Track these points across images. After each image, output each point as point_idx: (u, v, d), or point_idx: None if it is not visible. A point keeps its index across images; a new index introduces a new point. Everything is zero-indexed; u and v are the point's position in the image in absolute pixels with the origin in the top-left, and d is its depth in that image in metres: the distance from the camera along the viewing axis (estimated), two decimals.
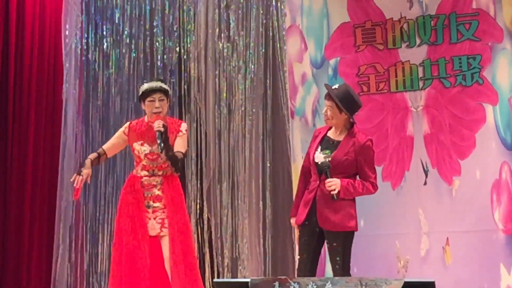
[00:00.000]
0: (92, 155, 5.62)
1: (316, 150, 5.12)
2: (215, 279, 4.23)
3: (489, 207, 6.12)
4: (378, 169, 6.38)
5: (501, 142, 6.14)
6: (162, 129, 5.35)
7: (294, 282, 3.99)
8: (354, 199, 5.14)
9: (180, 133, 5.53)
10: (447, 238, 6.19)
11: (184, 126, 5.61)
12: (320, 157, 5.07)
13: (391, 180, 6.43)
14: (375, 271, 6.14)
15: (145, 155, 5.48)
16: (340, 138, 5.11)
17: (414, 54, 6.41)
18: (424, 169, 6.35)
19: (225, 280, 4.46)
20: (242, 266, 7.07)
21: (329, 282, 3.99)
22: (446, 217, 6.20)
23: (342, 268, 5.05)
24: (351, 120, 5.12)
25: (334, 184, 4.95)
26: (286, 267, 6.95)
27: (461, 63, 6.31)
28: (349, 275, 5.09)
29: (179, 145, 5.48)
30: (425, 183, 6.34)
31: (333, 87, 5.16)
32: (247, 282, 4.05)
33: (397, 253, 6.30)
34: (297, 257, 5.34)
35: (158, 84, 5.56)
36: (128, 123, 5.68)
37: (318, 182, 5.07)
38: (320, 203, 5.04)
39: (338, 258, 5.04)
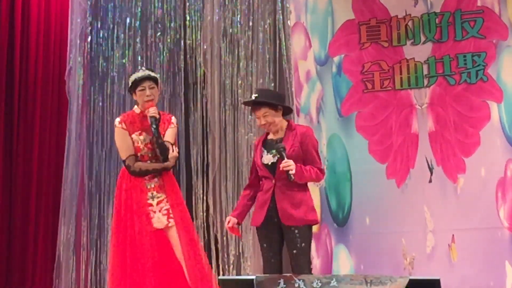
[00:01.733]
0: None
1: (261, 154, 5.25)
2: (220, 277, 4.23)
3: (494, 204, 6.10)
4: (382, 167, 6.42)
5: (506, 139, 6.12)
6: (157, 116, 5.42)
7: (299, 280, 3.99)
8: (309, 192, 5.30)
9: (172, 125, 5.61)
10: (453, 236, 6.17)
11: (174, 119, 5.70)
12: (268, 157, 5.21)
13: (395, 178, 6.42)
14: (381, 268, 6.14)
15: (145, 144, 5.49)
16: (281, 135, 5.28)
17: (419, 52, 6.39)
18: (429, 166, 6.33)
19: (230, 277, 4.47)
20: (246, 263, 7.07)
21: (334, 279, 3.99)
22: (452, 215, 6.19)
23: (304, 261, 5.14)
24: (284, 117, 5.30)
25: (291, 164, 5.05)
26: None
27: (465, 60, 6.30)
28: (310, 269, 5.21)
29: (169, 136, 5.53)
30: (430, 181, 6.32)
31: (252, 97, 5.27)
32: (252, 280, 4.05)
33: (403, 251, 6.29)
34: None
35: (147, 72, 5.61)
36: (118, 119, 5.65)
37: (273, 181, 5.17)
38: (280, 199, 5.15)
39: (297, 252, 5.13)
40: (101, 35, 7.61)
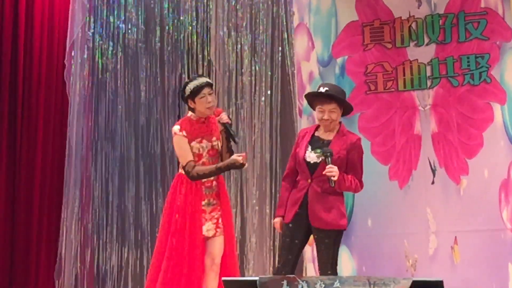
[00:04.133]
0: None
1: (306, 149, 5.13)
2: (224, 278, 4.23)
3: (497, 206, 6.10)
4: (385, 168, 6.42)
5: (509, 141, 6.11)
6: (230, 121, 5.46)
7: (303, 281, 3.99)
8: (343, 197, 5.18)
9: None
10: (455, 237, 6.17)
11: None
12: (312, 156, 5.09)
13: (398, 179, 6.42)
14: (384, 270, 6.14)
15: (208, 151, 5.47)
16: (330, 137, 5.14)
17: (423, 53, 6.39)
18: (431, 168, 6.33)
19: (234, 278, 4.46)
20: (249, 264, 7.07)
21: (337, 281, 3.99)
22: (454, 217, 6.19)
23: (331, 266, 5.08)
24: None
25: (335, 171, 4.95)
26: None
27: (469, 62, 6.30)
28: (337, 272, 5.12)
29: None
30: (432, 182, 6.33)
31: (322, 90, 5.12)
32: (255, 281, 4.05)
33: (405, 252, 6.29)
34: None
35: (205, 79, 5.54)
36: (178, 126, 5.47)
37: (309, 180, 5.08)
38: (313, 201, 5.06)
39: (327, 256, 5.06)
40: (103, 33, 7.60)
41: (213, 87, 5.60)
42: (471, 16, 6.28)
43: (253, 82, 7.24)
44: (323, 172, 4.97)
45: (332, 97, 5.08)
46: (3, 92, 7.30)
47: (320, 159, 5.05)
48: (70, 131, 7.38)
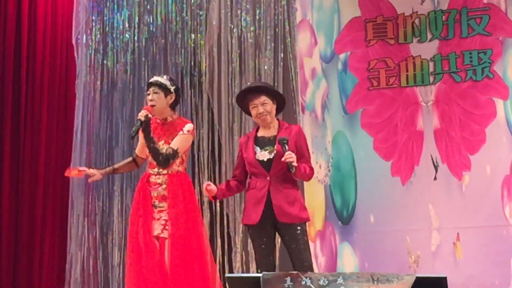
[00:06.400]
0: (124, 161, 5.71)
1: (255, 151, 5.15)
2: (227, 274, 4.24)
3: (499, 202, 6.11)
4: (387, 164, 6.42)
5: (511, 137, 6.12)
6: (142, 118, 5.32)
7: (306, 277, 3.99)
8: (300, 192, 5.26)
9: (181, 132, 5.42)
10: (458, 234, 6.17)
11: (188, 126, 5.48)
12: (263, 154, 5.12)
13: (400, 175, 6.41)
14: (386, 266, 6.13)
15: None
16: (274, 133, 5.17)
17: (425, 49, 6.39)
18: (434, 164, 6.33)
19: (237, 275, 4.47)
20: (252, 261, 7.06)
21: (340, 277, 3.99)
22: (457, 213, 6.18)
23: (305, 258, 5.09)
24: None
25: (294, 156, 4.98)
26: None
27: (471, 57, 6.30)
28: (311, 264, 5.15)
29: (174, 142, 5.39)
30: (435, 178, 6.32)
31: (250, 86, 5.23)
32: (259, 277, 4.05)
33: (407, 249, 6.28)
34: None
35: (155, 78, 5.54)
36: None
37: (268, 177, 5.09)
38: (276, 197, 5.07)
39: (305, 247, 5.09)
40: (105, 35, 7.60)
41: (165, 89, 5.45)
42: (473, 12, 6.28)
43: (256, 79, 7.23)
44: (282, 159, 4.98)
45: (258, 88, 5.17)
46: (6, 92, 7.31)
47: (273, 155, 5.09)
48: (75, 130, 7.37)
